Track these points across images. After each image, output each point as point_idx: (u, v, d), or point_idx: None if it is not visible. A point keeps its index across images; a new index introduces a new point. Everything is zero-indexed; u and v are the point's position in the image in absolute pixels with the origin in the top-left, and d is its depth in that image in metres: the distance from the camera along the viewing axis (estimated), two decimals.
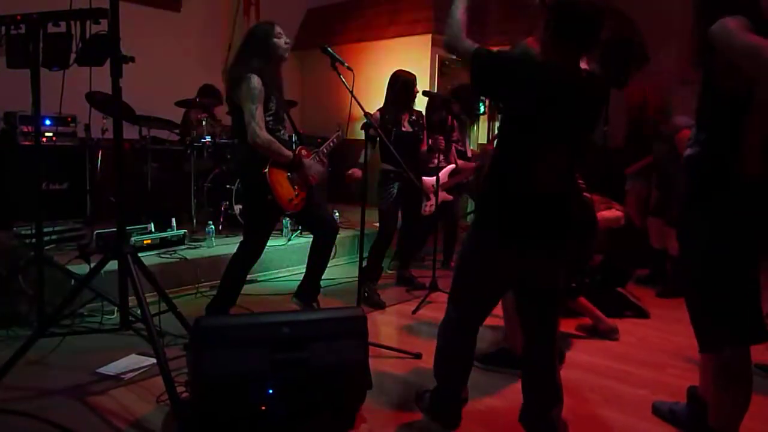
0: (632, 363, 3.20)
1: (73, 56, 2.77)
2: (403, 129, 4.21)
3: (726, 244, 1.97)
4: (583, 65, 2.12)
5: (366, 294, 4.11)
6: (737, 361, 2.04)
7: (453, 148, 5.00)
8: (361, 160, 3.49)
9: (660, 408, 2.60)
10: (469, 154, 5.21)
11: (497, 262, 2.16)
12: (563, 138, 2.04)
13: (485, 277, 2.21)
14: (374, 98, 4.40)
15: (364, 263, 3.43)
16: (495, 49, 2.14)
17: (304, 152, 3.47)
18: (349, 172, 4.11)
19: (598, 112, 2.11)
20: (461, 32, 2.14)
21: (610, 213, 3.72)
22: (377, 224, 4.33)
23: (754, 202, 1.94)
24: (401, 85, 4.21)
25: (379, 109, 4.20)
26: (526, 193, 2.06)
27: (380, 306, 4.12)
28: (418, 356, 3.15)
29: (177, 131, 5.55)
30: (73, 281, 3.37)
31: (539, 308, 2.24)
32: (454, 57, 2.23)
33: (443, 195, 4.74)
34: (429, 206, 4.66)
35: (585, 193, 3.44)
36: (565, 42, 1.99)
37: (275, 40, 3.26)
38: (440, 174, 4.59)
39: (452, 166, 4.90)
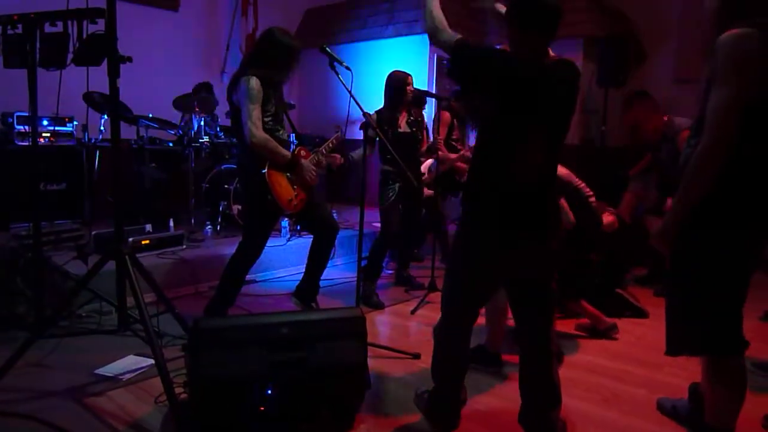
0: (630, 362, 3.20)
1: (70, 56, 2.76)
2: (400, 129, 4.21)
3: (719, 253, 1.95)
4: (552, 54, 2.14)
5: (365, 294, 4.11)
6: (732, 359, 2.04)
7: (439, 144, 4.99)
8: (354, 155, 3.46)
9: (664, 404, 2.62)
10: (467, 154, 5.20)
11: (483, 259, 2.17)
12: (540, 127, 2.06)
13: (474, 275, 2.22)
14: (372, 98, 4.40)
15: (363, 263, 3.42)
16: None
17: (303, 153, 3.47)
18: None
19: (572, 99, 2.12)
20: (443, 22, 2.19)
21: (603, 218, 3.74)
22: (376, 224, 4.32)
23: (750, 209, 1.94)
24: (393, 84, 4.21)
25: (377, 111, 4.20)
26: (506, 186, 2.08)
27: (379, 306, 4.12)
28: (416, 356, 3.15)
29: (174, 131, 5.55)
30: (71, 282, 3.36)
31: (532, 306, 2.24)
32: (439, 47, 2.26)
33: (425, 191, 4.73)
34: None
35: (592, 199, 3.45)
36: (530, 33, 2.05)
37: (296, 64, 3.30)
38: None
39: (430, 161, 4.87)
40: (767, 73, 1.83)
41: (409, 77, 4.24)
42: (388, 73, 4.28)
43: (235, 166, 5.15)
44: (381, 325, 3.83)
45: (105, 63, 2.61)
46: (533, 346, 2.25)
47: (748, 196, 1.92)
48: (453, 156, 4.73)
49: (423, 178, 4.66)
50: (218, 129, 5.69)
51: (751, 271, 2.01)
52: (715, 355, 2.05)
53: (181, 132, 5.47)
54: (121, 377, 2.77)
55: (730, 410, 2.06)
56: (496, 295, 2.65)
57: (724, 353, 2.04)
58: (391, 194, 4.21)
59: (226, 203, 5.12)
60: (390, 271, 4.91)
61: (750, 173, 1.91)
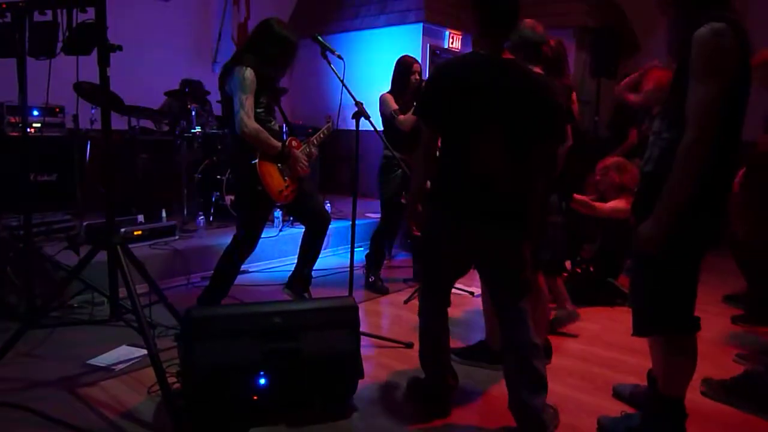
0: (622, 350, 3.23)
1: (59, 45, 2.73)
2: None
3: (687, 239, 1.97)
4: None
5: (371, 280, 4.29)
6: (688, 338, 2.13)
7: None
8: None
9: (621, 392, 2.66)
10: None
11: (444, 238, 2.29)
12: (492, 125, 2.14)
13: (439, 253, 2.35)
14: (364, 87, 4.37)
15: (365, 251, 3.42)
16: None
17: (294, 143, 3.45)
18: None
19: (526, 97, 2.16)
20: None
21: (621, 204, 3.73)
22: (368, 215, 4.32)
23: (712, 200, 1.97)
24: (399, 68, 4.22)
25: (392, 92, 4.20)
26: (462, 173, 2.20)
27: (384, 291, 4.23)
28: (409, 346, 3.17)
29: (166, 121, 5.51)
30: (62, 272, 3.35)
31: (503, 289, 2.30)
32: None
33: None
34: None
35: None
36: (491, 34, 2.17)
37: (293, 57, 3.30)
38: None
39: None
40: (742, 68, 1.86)
41: (416, 63, 4.23)
42: (396, 59, 4.29)
43: (227, 157, 5.13)
44: (374, 314, 3.84)
45: (95, 52, 2.60)
46: (513, 333, 2.29)
47: (713, 182, 1.93)
48: None
49: None
50: (210, 119, 5.66)
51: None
52: (678, 333, 2.12)
53: (172, 122, 5.43)
54: (113, 367, 2.77)
55: (683, 380, 2.16)
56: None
57: (686, 332, 2.12)
58: (394, 181, 4.21)
59: (218, 194, 5.11)
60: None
61: (721, 162, 1.93)
